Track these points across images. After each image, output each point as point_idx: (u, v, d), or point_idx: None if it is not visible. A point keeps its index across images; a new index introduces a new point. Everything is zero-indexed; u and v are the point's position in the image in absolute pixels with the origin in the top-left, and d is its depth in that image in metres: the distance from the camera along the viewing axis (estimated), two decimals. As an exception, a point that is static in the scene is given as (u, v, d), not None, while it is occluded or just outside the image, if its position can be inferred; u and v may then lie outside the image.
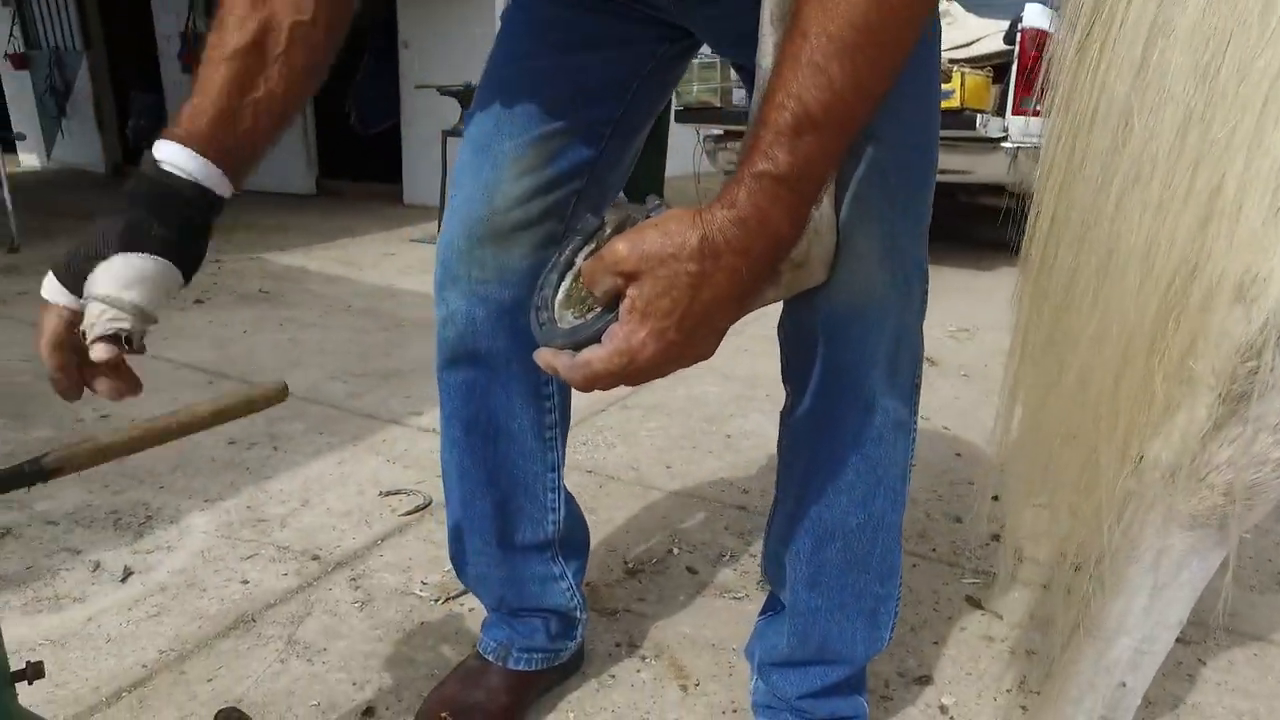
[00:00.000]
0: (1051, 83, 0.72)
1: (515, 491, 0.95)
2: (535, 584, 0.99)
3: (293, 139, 6.66)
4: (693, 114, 4.27)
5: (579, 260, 0.62)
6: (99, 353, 0.61)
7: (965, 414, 2.18)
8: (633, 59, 0.84)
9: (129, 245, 0.62)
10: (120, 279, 0.61)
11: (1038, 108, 4.11)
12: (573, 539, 1.03)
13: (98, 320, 0.61)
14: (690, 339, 0.54)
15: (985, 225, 5.53)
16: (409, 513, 1.55)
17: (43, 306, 0.64)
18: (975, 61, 4.14)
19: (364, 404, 2.11)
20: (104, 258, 0.61)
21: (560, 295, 0.61)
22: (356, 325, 2.89)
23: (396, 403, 2.12)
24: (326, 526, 1.50)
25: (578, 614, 1.03)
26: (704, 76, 4.18)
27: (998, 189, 4.27)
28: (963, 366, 2.59)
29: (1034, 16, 3.86)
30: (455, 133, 4.61)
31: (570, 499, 1.01)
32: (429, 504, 1.58)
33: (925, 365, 2.88)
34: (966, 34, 4.28)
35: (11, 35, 8.17)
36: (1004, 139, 3.92)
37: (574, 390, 0.62)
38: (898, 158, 0.71)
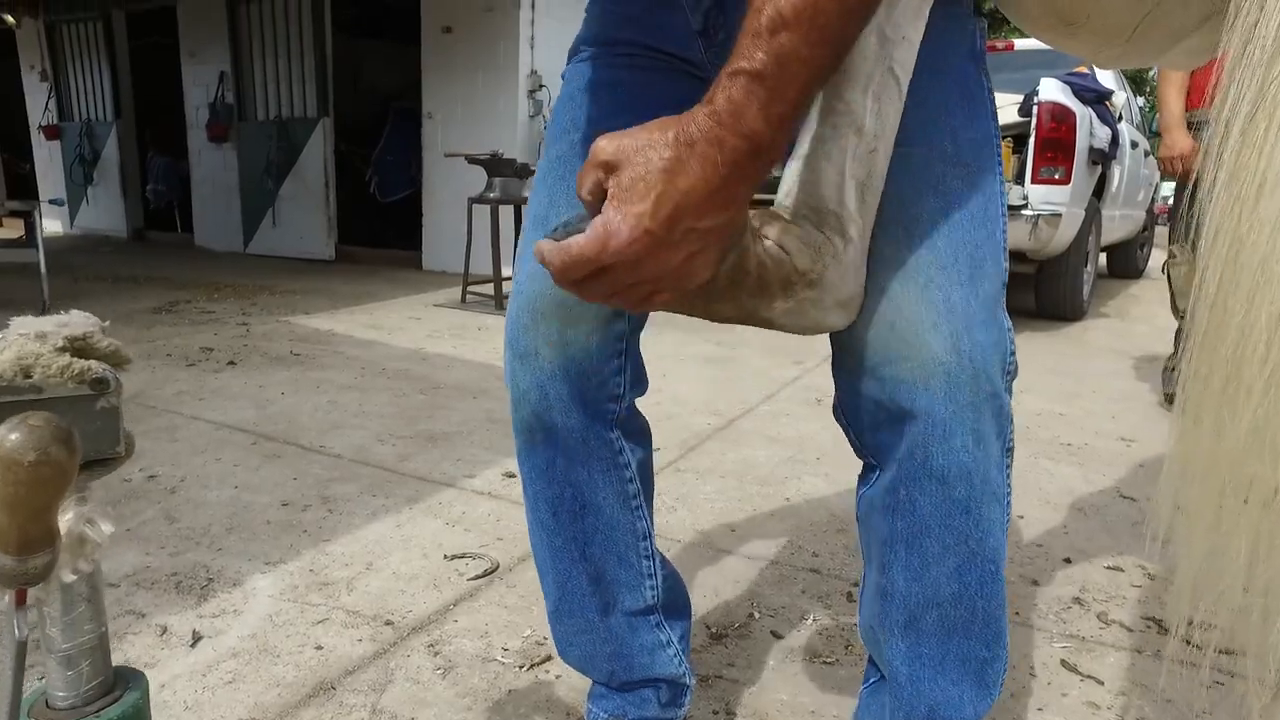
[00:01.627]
0: (1212, 163, 0.75)
1: (609, 563, 0.92)
2: (644, 654, 0.95)
3: (313, 206, 6.79)
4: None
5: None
6: None
7: (1018, 476, 2.16)
8: None
9: None
10: None
11: (1056, 176, 4.19)
12: (674, 602, 1.00)
13: None
14: (669, 233, 0.55)
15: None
16: (477, 577, 1.51)
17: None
18: (991, 133, 4.26)
19: (415, 466, 2.08)
20: None
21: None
22: (393, 388, 2.88)
23: (448, 465, 2.10)
24: (395, 590, 1.46)
25: (686, 680, 0.99)
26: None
27: (1018, 255, 4.33)
28: (1006, 429, 2.58)
29: (1050, 91, 3.99)
30: (481, 200, 4.70)
31: (666, 563, 0.99)
32: (497, 568, 1.54)
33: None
34: (980, 107, 4.42)
35: (46, 108, 8.43)
36: (1024, 206, 4.00)
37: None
38: (951, 223, 0.72)
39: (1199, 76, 2.49)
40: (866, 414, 0.76)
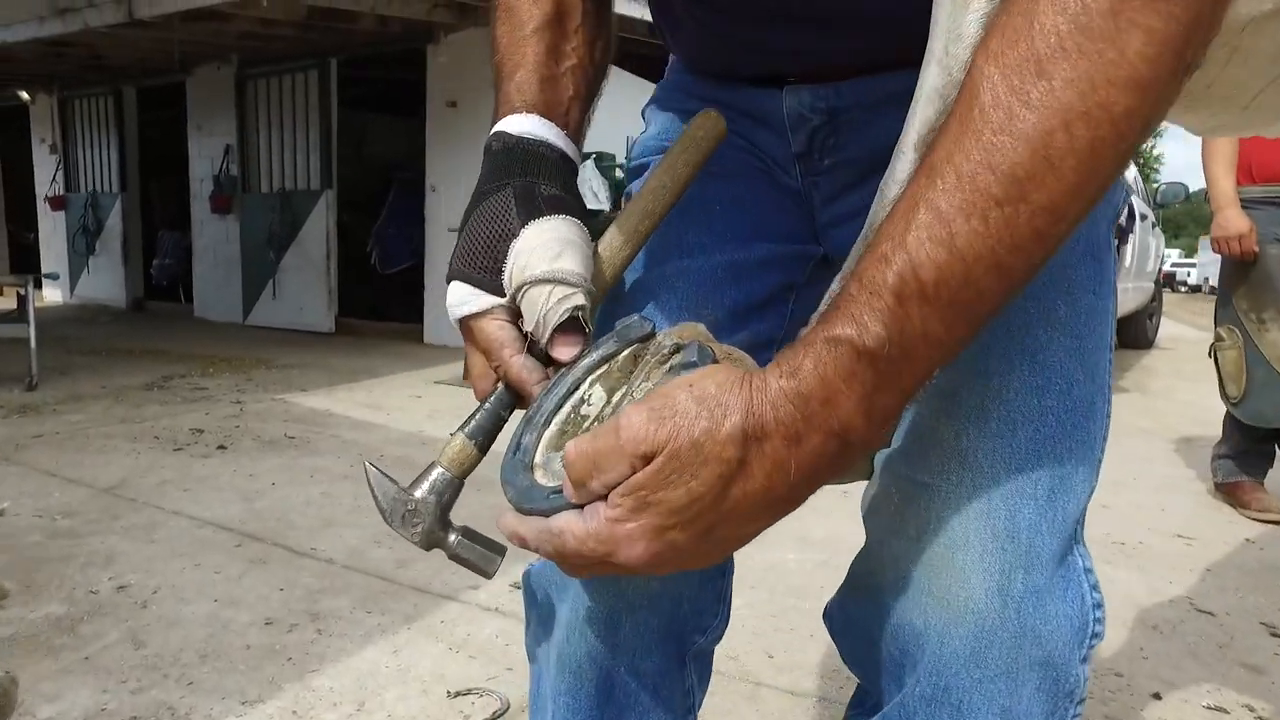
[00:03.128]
0: None
1: None
2: None
3: (314, 278, 6.73)
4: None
5: (589, 383, 0.48)
6: (564, 349, 0.49)
7: (1075, 583, 1.96)
8: (790, 260, 0.65)
9: (533, 214, 0.51)
10: (547, 252, 0.49)
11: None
12: None
13: (550, 305, 0.48)
14: (700, 544, 0.41)
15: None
16: (485, 721, 1.32)
17: (471, 324, 0.52)
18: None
19: (414, 575, 1.89)
20: (514, 236, 0.50)
21: (553, 428, 0.48)
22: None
23: (450, 574, 1.90)
24: (389, 740, 1.26)
25: None
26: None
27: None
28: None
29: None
30: (486, 274, 4.61)
31: None
32: (507, 709, 1.35)
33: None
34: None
35: (53, 179, 8.49)
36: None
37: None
38: (1042, 409, 0.51)
39: (1247, 152, 2.39)
40: (859, 640, 0.56)
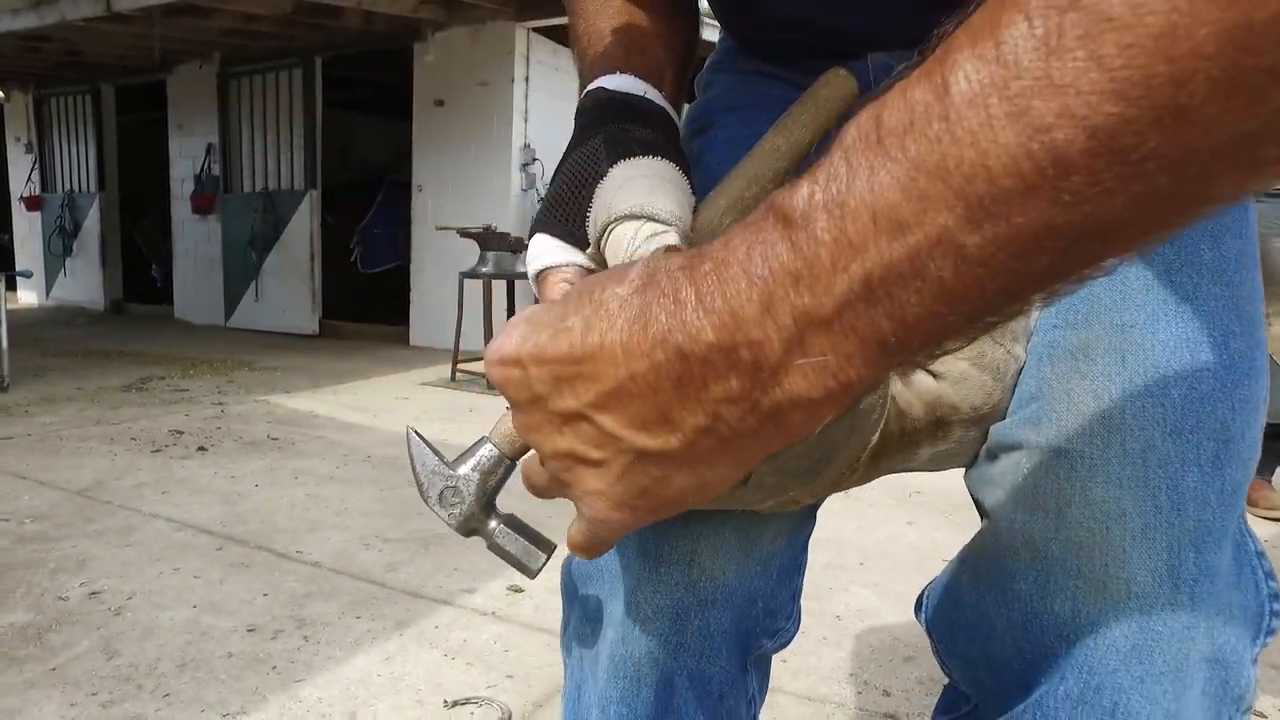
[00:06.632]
0: None
1: None
2: None
3: (297, 279, 6.61)
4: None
5: None
6: None
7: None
8: None
9: (624, 154, 0.45)
10: (637, 188, 0.43)
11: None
12: None
13: (638, 244, 0.41)
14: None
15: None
16: (485, 733, 1.23)
17: (542, 280, 0.45)
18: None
19: (405, 578, 1.80)
20: (600, 177, 0.45)
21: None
22: (380, 479, 2.61)
23: (444, 577, 1.82)
24: (382, 754, 1.18)
25: None
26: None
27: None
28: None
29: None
30: (472, 274, 4.52)
31: None
32: (509, 718, 1.26)
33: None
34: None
35: (29, 179, 8.31)
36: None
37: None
38: (1197, 365, 0.44)
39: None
40: (972, 634, 0.48)
